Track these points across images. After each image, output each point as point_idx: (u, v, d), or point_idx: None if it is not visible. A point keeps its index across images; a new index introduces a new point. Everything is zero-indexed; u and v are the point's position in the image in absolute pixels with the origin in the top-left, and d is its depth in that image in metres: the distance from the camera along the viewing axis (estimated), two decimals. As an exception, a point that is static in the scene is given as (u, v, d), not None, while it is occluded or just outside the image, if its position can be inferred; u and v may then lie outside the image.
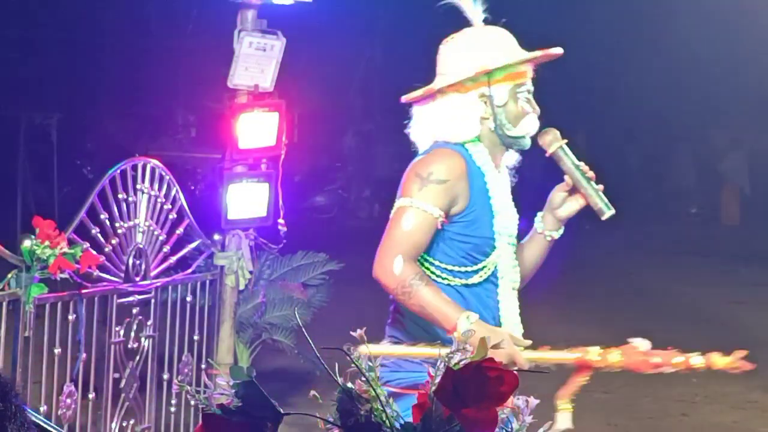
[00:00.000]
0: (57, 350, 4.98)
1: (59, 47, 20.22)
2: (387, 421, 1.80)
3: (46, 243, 4.74)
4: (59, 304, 4.96)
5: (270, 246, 6.82)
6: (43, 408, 4.89)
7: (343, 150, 24.01)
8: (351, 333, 1.98)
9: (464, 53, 3.51)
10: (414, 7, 21.79)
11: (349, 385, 1.84)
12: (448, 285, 3.45)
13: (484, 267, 3.47)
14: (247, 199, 6.52)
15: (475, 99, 3.52)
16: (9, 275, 4.75)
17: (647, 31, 21.21)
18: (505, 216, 3.54)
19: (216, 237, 6.22)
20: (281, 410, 1.83)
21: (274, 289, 6.97)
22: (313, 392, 1.97)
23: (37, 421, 2.23)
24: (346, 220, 20.88)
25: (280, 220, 6.67)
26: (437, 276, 3.46)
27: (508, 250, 3.54)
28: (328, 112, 22.75)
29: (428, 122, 3.56)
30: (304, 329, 2.09)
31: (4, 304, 4.69)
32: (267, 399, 1.82)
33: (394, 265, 3.34)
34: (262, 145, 6.62)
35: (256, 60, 6.54)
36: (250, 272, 6.59)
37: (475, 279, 3.47)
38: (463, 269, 3.46)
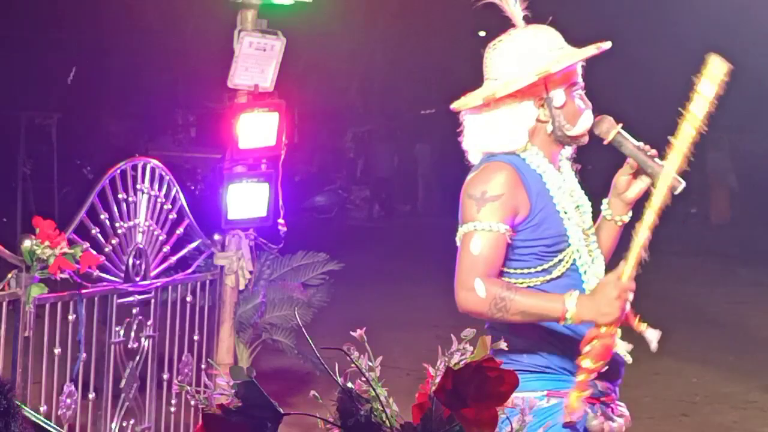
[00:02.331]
0: (57, 350, 4.98)
1: (59, 47, 20.23)
2: (387, 421, 1.80)
3: (46, 243, 4.74)
4: (59, 304, 4.96)
5: (270, 246, 6.82)
6: (43, 408, 4.88)
7: (343, 150, 24.01)
8: (351, 333, 1.98)
9: (521, 57, 3.42)
10: (414, 6, 21.81)
11: (349, 385, 1.84)
12: (528, 287, 3.39)
13: (561, 261, 3.42)
14: (247, 199, 6.52)
15: (531, 104, 3.44)
16: (9, 275, 4.74)
17: (638, 31, 21.22)
18: (574, 211, 3.49)
19: (216, 237, 6.22)
20: (281, 410, 1.83)
21: (274, 289, 6.96)
22: (313, 392, 1.97)
23: (37, 421, 2.23)
24: (346, 220, 20.90)
25: (280, 220, 6.67)
26: (516, 282, 3.40)
27: (585, 243, 3.50)
28: (328, 112, 22.76)
29: (482, 131, 3.47)
30: (304, 329, 2.09)
31: (4, 304, 4.68)
32: (267, 399, 1.82)
33: (476, 290, 3.28)
34: (262, 145, 6.61)
35: (256, 60, 6.53)
36: (250, 272, 6.59)
37: (555, 273, 3.42)
38: (539, 268, 3.40)
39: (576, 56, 3.45)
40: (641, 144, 3.56)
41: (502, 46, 3.48)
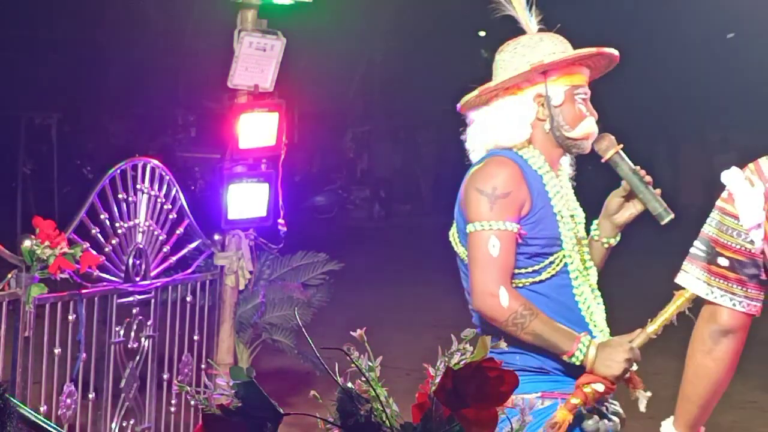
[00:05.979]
0: (57, 350, 4.98)
1: (59, 47, 20.22)
2: (387, 421, 1.80)
3: (46, 243, 4.74)
4: (59, 304, 4.95)
5: (270, 246, 6.82)
6: (43, 408, 4.88)
7: (343, 150, 24.02)
8: (351, 333, 1.98)
9: (519, 55, 3.45)
10: (414, 6, 21.81)
11: (349, 385, 1.84)
12: (516, 287, 3.38)
13: (551, 263, 3.41)
14: (247, 199, 6.52)
15: (530, 99, 3.45)
16: (9, 275, 4.74)
17: (642, 33, 21.21)
18: (569, 217, 3.48)
19: (216, 237, 6.22)
20: (281, 410, 1.83)
21: (274, 289, 6.97)
22: (313, 392, 1.97)
23: (37, 421, 2.23)
24: (346, 220, 20.89)
25: (280, 220, 6.66)
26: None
27: (577, 249, 3.48)
28: (328, 112, 22.76)
29: (484, 127, 3.48)
30: (304, 329, 2.09)
31: (4, 304, 4.68)
32: (267, 399, 1.82)
33: (500, 299, 3.27)
34: (262, 145, 6.61)
35: (256, 60, 6.53)
36: (250, 272, 6.59)
37: (544, 275, 3.41)
38: (530, 269, 3.40)
39: (572, 53, 3.46)
40: (637, 168, 3.55)
41: (508, 48, 3.51)
